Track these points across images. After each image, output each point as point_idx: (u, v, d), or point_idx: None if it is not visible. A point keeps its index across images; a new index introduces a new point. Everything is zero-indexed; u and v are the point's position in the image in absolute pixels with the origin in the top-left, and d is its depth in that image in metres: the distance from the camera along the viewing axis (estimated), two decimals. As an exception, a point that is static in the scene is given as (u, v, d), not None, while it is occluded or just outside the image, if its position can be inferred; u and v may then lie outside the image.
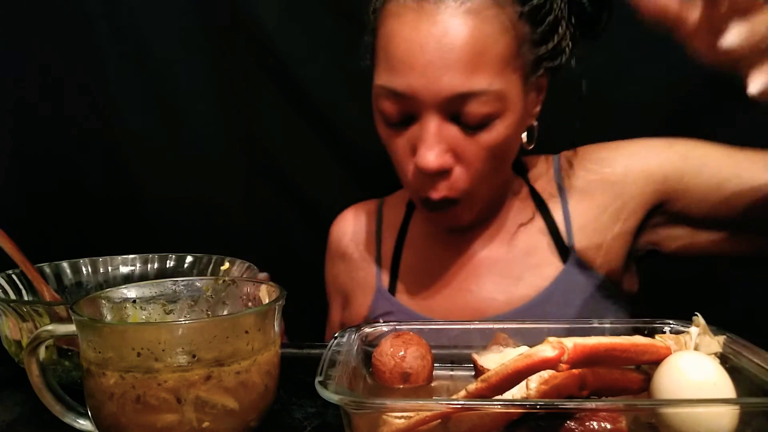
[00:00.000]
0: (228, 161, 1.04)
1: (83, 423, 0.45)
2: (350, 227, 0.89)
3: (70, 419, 0.45)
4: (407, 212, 0.87)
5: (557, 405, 0.40)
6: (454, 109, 0.65)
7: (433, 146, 0.66)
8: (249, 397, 0.42)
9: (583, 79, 0.72)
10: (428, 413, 0.40)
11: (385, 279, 0.84)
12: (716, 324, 0.49)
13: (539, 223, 0.79)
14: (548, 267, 0.76)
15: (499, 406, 0.39)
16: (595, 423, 0.39)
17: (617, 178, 0.76)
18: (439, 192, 0.68)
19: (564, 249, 0.76)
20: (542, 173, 0.81)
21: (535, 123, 0.74)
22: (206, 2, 0.98)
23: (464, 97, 0.64)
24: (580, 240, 0.76)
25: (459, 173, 0.68)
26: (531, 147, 0.74)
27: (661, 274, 0.93)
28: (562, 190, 0.79)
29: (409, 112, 0.67)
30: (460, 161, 0.67)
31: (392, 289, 0.83)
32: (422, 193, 0.70)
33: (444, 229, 0.80)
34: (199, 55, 1.00)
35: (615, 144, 0.79)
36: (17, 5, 0.98)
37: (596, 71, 0.92)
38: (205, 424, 0.41)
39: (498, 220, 0.81)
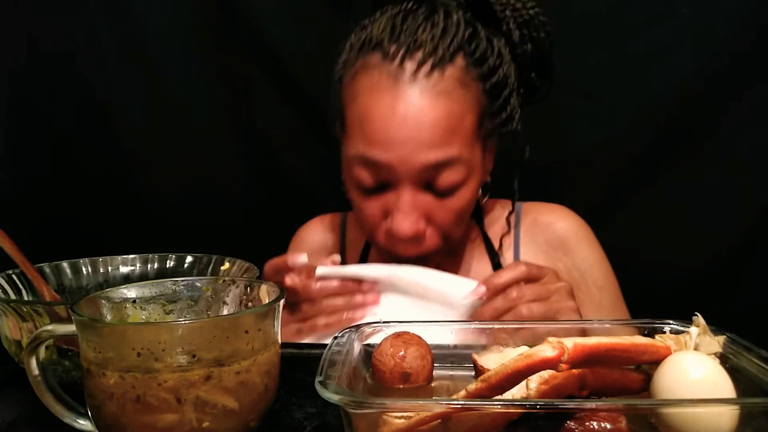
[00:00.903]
0: (228, 161, 1.04)
1: (83, 423, 0.45)
2: (317, 243, 0.90)
3: (70, 419, 0.45)
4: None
5: (557, 405, 0.40)
6: (427, 178, 0.70)
7: (408, 214, 0.70)
8: (249, 397, 0.42)
9: (527, 145, 0.79)
10: (428, 413, 0.39)
11: None
12: (716, 324, 0.49)
13: (488, 269, 0.82)
14: None
15: (499, 406, 0.39)
16: (595, 423, 0.39)
17: (563, 267, 0.81)
18: (409, 251, 0.72)
19: None
20: (498, 219, 0.85)
21: (488, 179, 0.79)
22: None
23: (438, 167, 0.69)
24: None
25: (430, 234, 0.72)
26: (485, 201, 0.80)
27: (661, 274, 0.93)
28: (518, 242, 0.83)
29: (382, 180, 0.71)
30: (431, 224, 0.72)
31: None
32: (392, 251, 0.73)
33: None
34: (199, 54, 1.00)
35: (582, 234, 0.83)
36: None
37: (596, 72, 0.92)
38: (205, 424, 0.41)
39: (448, 259, 0.82)
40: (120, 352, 0.40)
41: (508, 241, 0.83)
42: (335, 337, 0.51)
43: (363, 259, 0.87)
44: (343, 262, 0.86)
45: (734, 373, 0.43)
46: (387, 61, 0.70)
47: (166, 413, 0.40)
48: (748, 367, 0.45)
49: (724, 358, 0.46)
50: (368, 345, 0.54)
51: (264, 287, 0.50)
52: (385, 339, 0.53)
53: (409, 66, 0.69)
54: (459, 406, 0.39)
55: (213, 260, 0.69)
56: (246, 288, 0.52)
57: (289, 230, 1.05)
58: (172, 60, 1.00)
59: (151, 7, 0.99)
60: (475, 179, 0.73)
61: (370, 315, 0.70)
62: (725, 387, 0.41)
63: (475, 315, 0.67)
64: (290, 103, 1.01)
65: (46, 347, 0.45)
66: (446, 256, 0.82)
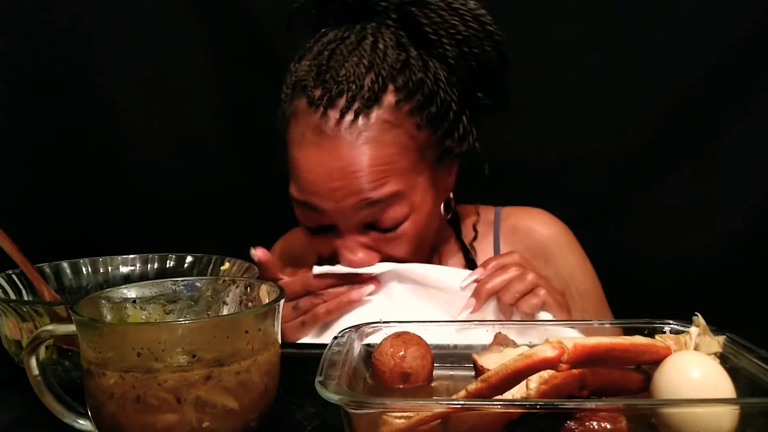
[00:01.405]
0: (228, 162, 1.04)
1: (83, 423, 0.45)
2: (296, 250, 0.90)
3: (70, 419, 0.45)
4: None
5: (557, 405, 0.40)
6: (368, 220, 0.69)
7: (355, 252, 0.70)
8: (249, 397, 0.42)
9: (485, 163, 0.75)
10: (428, 413, 0.40)
11: None
12: (716, 324, 0.49)
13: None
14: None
15: (499, 406, 0.39)
16: (595, 423, 0.39)
17: (544, 274, 0.78)
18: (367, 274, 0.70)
19: None
20: (477, 223, 0.83)
21: (451, 195, 0.78)
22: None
23: (375, 209, 0.68)
24: None
25: (385, 256, 0.71)
26: (449, 216, 0.79)
27: (661, 274, 0.93)
28: (497, 249, 0.82)
29: (325, 222, 0.71)
30: (385, 252, 0.71)
31: None
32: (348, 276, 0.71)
33: None
34: (200, 54, 1.00)
35: (563, 240, 0.82)
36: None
37: (596, 72, 0.92)
38: (205, 424, 0.41)
39: (425, 261, 0.82)
40: (120, 352, 0.40)
41: (487, 247, 0.82)
42: (335, 337, 0.51)
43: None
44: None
45: (734, 373, 0.43)
46: (312, 109, 0.68)
47: (166, 413, 0.40)
48: (748, 367, 0.45)
49: (724, 358, 0.46)
50: (368, 345, 0.54)
51: (264, 287, 0.50)
52: (385, 339, 0.53)
53: (333, 115, 0.67)
54: (459, 406, 0.39)
55: (213, 260, 0.69)
56: (246, 288, 0.52)
57: (289, 230, 1.05)
58: (173, 62, 1.00)
59: (151, 7, 0.99)
60: (425, 207, 0.72)
61: (369, 296, 0.69)
62: (725, 387, 0.41)
63: (472, 294, 0.66)
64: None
65: (46, 347, 0.45)
66: (425, 260, 0.81)
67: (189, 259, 0.71)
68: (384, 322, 0.56)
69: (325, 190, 0.68)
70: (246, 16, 0.98)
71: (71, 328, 0.43)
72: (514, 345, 0.53)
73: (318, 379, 0.42)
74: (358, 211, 0.68)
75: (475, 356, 0.52)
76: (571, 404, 0.40)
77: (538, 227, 0.82)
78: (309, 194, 0.70)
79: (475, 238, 0.82)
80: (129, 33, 1.00)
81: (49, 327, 0.44)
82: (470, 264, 0.81)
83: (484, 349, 0.53)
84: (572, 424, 0.39)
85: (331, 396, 0.40)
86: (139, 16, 0.99)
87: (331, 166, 0.67)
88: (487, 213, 0.85)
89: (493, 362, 0.49)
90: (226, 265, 0.67)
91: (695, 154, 0.92)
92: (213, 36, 1.00)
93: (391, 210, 0.69)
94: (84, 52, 1.00)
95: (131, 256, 0.71)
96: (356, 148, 0.67)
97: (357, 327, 0.54)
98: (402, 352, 0.51)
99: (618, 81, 0.91)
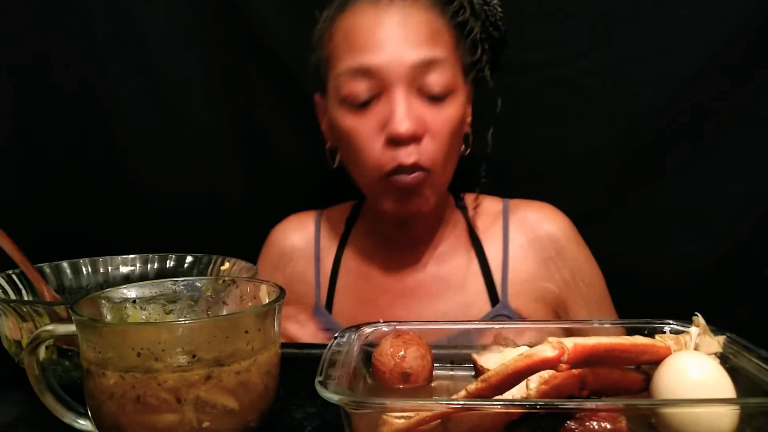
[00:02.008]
0: (228, 161, 1.04)
1: (83, 423, 0.45)
2: (290, 241, 0.90)
3: (70, 419, 0.45)
4: (345, 230, 0.89)
5: (557, 405, 0.40)
6: (418, 80, 0.72)
7: (405, 113, 0.71)
8: (249, 397, 0.42)
9: (498, 97, 0.81)
10: (428, 413, 0.40)
11: (323, 296, 0.86)
12: (716, 324, 0.49)
13: (473, 261, 0.82)
14: (476, 308, 0.80)
15: (499, 406, 0.39)
16: (595, 423, 0.39)
17: (554, 266, 0.81)
18: (411, 157, 0.71)
19: (494, 293, 0.80)
20: (486, 213, 0.85)
21: (469, 131, 0.80)
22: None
23: (427, 65, 0.71)
24: (512, 290, 0.80)
25: (428, 142, 0.72)
26: (467, 153, 0.80)
27: (661, 274, 0.93)
28: (506, 237, 0.83)
29: (376, 90, 0.72)
30: (428, 131, 0.72)
31: (329, 307, 0.85)
32: (393, 162, 0.72)
33: (403, 220, 0.80)
34: (200, 54, 1.00)
35: (571, 234, 0.83)
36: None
37: (596, 72, 0.92)
38: (205, 424, 0.41)
39: (432, 249, 0.83)
40: (120, 352, 0.40)
41: (496, 236, 0.83)
42: (335, 337, 0.51)
43: (339, 252, 0.87)
44: (318, 257, 0.88)
45: (734, 373, 0.43)
46: None
47: (166, 413, 0.40)
48: (748, 367, 0.45)
49: (724, 358, 0.46)
50: (368, 345, 0.54)
51: (264, 287, 0.50)
52: (385, 339, 0.53)
53: None
54: (459, 406, 0.39)
55: (213, 260, 0.69)
56: (246, 288, 0.52)
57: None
58: (173, 61, 1.00)
59: (151, 7, 0.99)
60: (462, 96, 0.75)
61: None
62: (725, 387, 0.41)
63: None
64: (291, 103, 1.01)
65: (46, 347, 0.45)
66: (431, 246, 0.83)
67: (189, 259, 0.71)
68: (384, 322, 0.56)
69: (382, 41, 0.72)
70: (246, 16, 0.98)
71: (71, 328, 0.43)
72: (515, 345, 0.53)
73: (318, 379, 0.42)
74: (411, 62, 0.71)
75: (475, 356, 0.52)
76: (571, 404, 0.40)
77: (549, 220, 0.83)
78: (365, 51, 0.72)
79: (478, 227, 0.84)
80: (129, 33, 1.00)
81: (49, 327, 0.44)
82: (478, 251, 0.82)
83: (484, 349, 0.53)
84: (572, 424, 0.39)
85: (331, 396, 0.40)
86: (139, 15, 0.99)
87: (389, 19, 0.72)
88: (495, 203, 0.86)
89: (493, 362, 0.49)
90: (226, 265, 0.67)
91: (695, 154, 0.92)
92: (213, 36, 1.00)
93: (439, 74, 0.72)
94: (84, 52, 1.00)
95: (131, 256, 0.71)
96: (410, 8, 0.73)
97: (357, 327, 0.54)
98: (402, 352, 0.51)
99: (618, 81, 0.91)
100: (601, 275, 0.84)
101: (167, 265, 0.71)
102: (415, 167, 0.72)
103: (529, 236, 0.82)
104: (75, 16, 0.98)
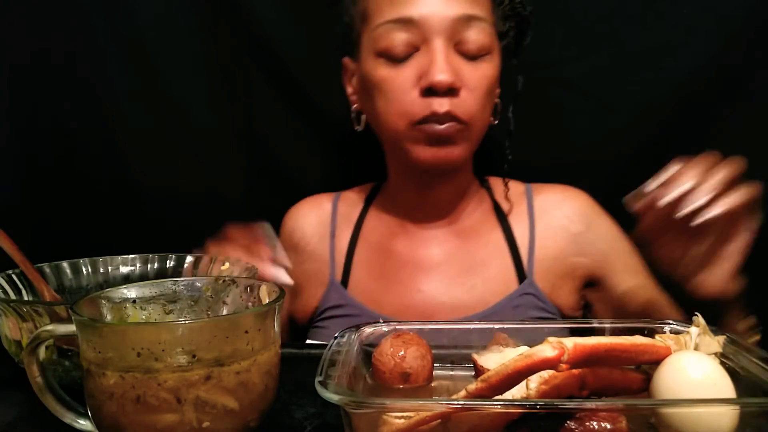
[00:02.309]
0: (228, 162, 1.04)
1: (83, 423, 0.45)
2: (304, 219, 0.90)
3: (70, 419, 0.45)
4: (364, 207, 0.88)
5: (557, 405, 0.40)
6: (458, 35, 0.72)
7: (444, 63, 0.71)
8: (249, 397, 0.42)
9: (519, 75, 0.82)
10: (428, 413, 0.40)
11: (339, 272, 0.84)
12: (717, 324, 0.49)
13: (500, 238, 0.82)
14: (502, 284, 0.79)
15: (499, 406, 0.39)
16: (595, 423, 0.39)
17: (584, 240, 0.81)
18: (444, 106, 0.72)
19: (521, 271, 0.79)
20: (512, 194, 0.84)
21: (498, 101, 0.80)
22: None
23: (467, 21, 0.72)
24: (539, 269, 0.80)
25: (465, 95, 0.73)
26: (496, 122, 0.80)
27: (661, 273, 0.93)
28: (532, 218, 0.82)
29: (415, 42, 0.73)
30: (465, 86, 0.73)
31: (344, 283, 0.83)
32: (426, 110, 0.72)
33: (428, 176, 0.80)
34: (200, 54, 1.00)
35: (597, 209, 0.84)
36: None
37: (596, 72, 0.92)
38: (205, 424, 0.41)
39: (457, 225, 0.83)
40: (120, 352, 0.40)
41: (521, 217, 0.83)
42: (335, 337, 0.51)
43: (357, 228, 0.87)
44: (333, 239, 0.87)
45: (734, 373, 0.43)
46: None
47: (166, 413, 0.40)
48: (748, 366, 0.45)
49: (724, 358, 0.46)
50: (368, 345, 0.54)
51: (264, 287, 0.50)
52: (385, 339, 0.53)
53: None
54: (459, 406, 0.39)
55: (213, 260, 0.69)
56: (246, 288, 0.52)
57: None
58: (173, 61, 1.00)
59: (151, 7, 0.99)
60: (497, 59, 0.76)
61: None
62: (725, 387, 0.41)
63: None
64: (291, 104, 1.01)
65: (46, 347, 0.45)
66: (457, 221, 0.83)
67: (189, 259, 0.71)
68: (384, 322, 0.56)
69: None
70: (246, 16, 0.98)
71: (71, 328, 0.43)
72: (515, 345, 0.53)
73: (318, 379, 0.42)
74: (453, 16, 0.71)
75: (475, 356, 0.52)
76: (571, 404, 0.40)
77: (573, 198, 0.83)
78: (408, 5, 0.72)
79: (509, 209, 0.84)
80: (129, 33, 1.00)
81: (49, 327, 0.44)
82: (505, 228, 0.82)
83: (484, 349, 0.53)
84: (572, 424, 0.39)
85: (331, 396, 0.40)
86: (139, 15, 0.99)
87: None
88: (518, 185, 0.86)
89: (493, 362, 0.49)
90: (226, 265, 0.67)
91: (695, 155, 0.92)
92: (213, 36, 1.00)
93: (479, 31, 0.72)
94: (84, 51, 1.00)
95: (131, 256, 0.71)
96: None
97: (357, 327, 0.54)
98: (402, 352, 0.51)
99: (618, 81, 0.91)
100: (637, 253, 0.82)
101: (167, 265, 0.71)
102: (448, 116, 0.72)
103: (556, 214, 0.82)
104: (75, 16, 0.98)
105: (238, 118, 1.02)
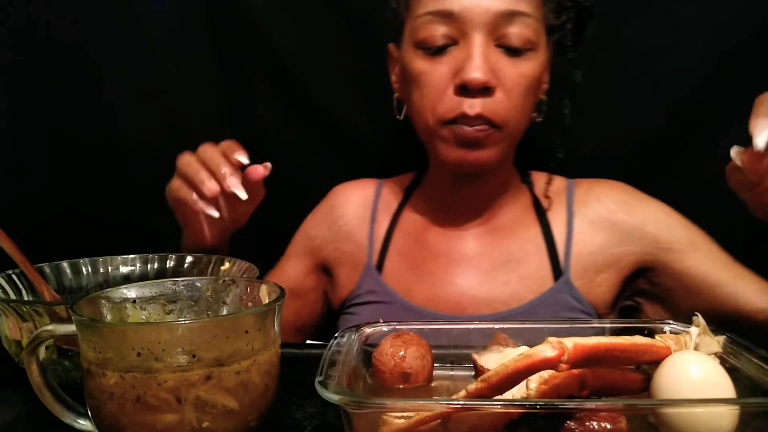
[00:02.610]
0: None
1: (83, 423, 0.45)
2: (348, 199, 0.90)
3: (70, 419, 0.45)
4: (404, 196, 0.88)
5: (557, 405, 0.40)
6: (499, 29, 0.70)
7: (480, 61, 0.69)
8: (249, 397, 0.42)
9: (576, 70, 0.79)
10: (428, 413, 0.40)
11: (375, 258, 0.84)
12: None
13: (538, 235, 0.80)
14: (538, 281, 0.77)
15: (499, 406, 0.39)
16: (595, 423, 0.39)
17: (627, 227, 0.78)
18: (475, 108, 0.70)
19: (557, 268, 0.77)
20: (553, 190, 0.83)
21: (544, 98, 0.78)
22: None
23: (510, 16, 0.70)
24: (576, 266, 0.78)
25: (499, 97, 0.71)
26: (539, 119, 0.78)
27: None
28: (570, 213, 0.81)
29: (453, 35, 0.71)
30: (501, 86, 0.71)
31: (379, 269, 0.83)
32: (457, 110, 0.71)
33: (461, 174, 0.79)
34: (200, 54, 1.00)
35: (638, 194, 0.82)
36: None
37: (597, 72, 0.92)
38: (205, 424, 0.41)
39: (494, 220, 0.82)
40: (120, 352, 0.40)
41: (560, 212, 0.81)
42: (335, 337, 0.51)
43: (396, 216, 0.86)
44: (372, 223, 0.86)
45: (734, 373, 0.43)
46: None
47: (166, 413, 0.40)
48: (748, 367, 0.45)
49: (724, 359, 0.46)
50: (368, 345, 0.54)
51: (264, 287, 0.50)
52: (385, 339, 0.53)
53: None
54: (459, 406, 0.39)
55: (213, 260, 0.69)
56: (246, 288, 0.52)
57: (289, 230, 1.05)
58: (173, 61, 1.00)
59: (151, 7, 0.99)
60: (541, 56, 0.73)
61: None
62: (725, 387, 0.41)
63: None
64: (291, 104, 1.01)
65: (46, 347, 0.45)
66: (494, 215, 0.82)
67: (189, 259, 0.71)
68: (384, 323, 0.56)
69: None
70: (246, 16, 0.98)
71: (71, 328, 0.43)
72: (515, 345, 0.53)
73: (318, 379, 0.42)
74: (496, 11, 0.69)
75: (475, 356, 0.52)
76: (571, 404, 0.40)
77: (611, 188, 0.82)
78: None
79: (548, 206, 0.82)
80: (129, 32, 1.00)
81: (49, 327, 0.44)
82: (544, 225, 0.81)
83: (484, 349, 0.53)
84: (572, 424, 0.39)
85: (331, 396, 0.40)
86: (139, 15, 0.99)
87: None
88: (560, 181, 0.85)
89: (493, 362, 0.49)
90: (226, 265, 0.67)
91: (695, 155, 0.92)
92: (213, 35, 1.00)
93: (522, 27, 0.70)
94: (84, 51, 1.00)
95: (131, 256, 0.71)
96: None
97: (357, 327, 0.54)
98: (402, 352, 0.51)
99: (618, 81, 0.91)
100: (696, 227, 0.80)
101: (167, 265, 0.71)
102: (479, 119, 0.70)
103: (594, 206, 0.80)
104: (75, 16, 0.98)
105: (238, 118, 1.03)
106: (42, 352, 0.45)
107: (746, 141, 0.86)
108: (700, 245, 0.77)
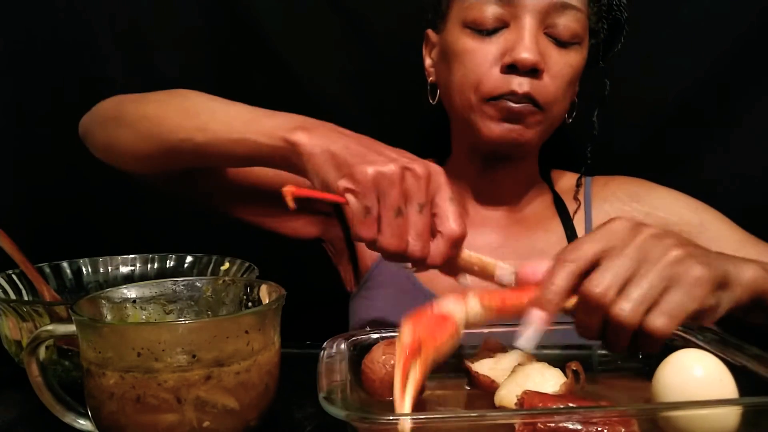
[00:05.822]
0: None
1: (83, 423, 0.45)
2: None
3: (70, 419, 0.45)
4: None
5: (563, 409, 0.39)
6: (550, 18, 0.72)
7: (531, 43, 0.70)
8: (249, 397, 0.42)
9: (606, 79, 0.81)
10: None
11: None
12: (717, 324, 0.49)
13: (559, 229, 0.81)
14: None
15: (514, 415, 0.39)
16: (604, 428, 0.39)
17: (640, 216, 0.79)
18: (523, 86, 0.70)
19: None
20: (572, 188, 0.84)
21: (575, 99, 0.78)
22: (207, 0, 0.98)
23: (562, 6, 0.71)
24: None
25: (546, 81, 0.71)
26: (569, 121, 0.79)
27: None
28: (589, 208, 0.82)
29: (505, 18, 0.72)
30: (548, 71, 0.72)
31: None
32: (505, 87, 0.71)
33: (494, 157, 0.79)
34: (200, 54, 1.00)
35: (650, 184, 0.83)
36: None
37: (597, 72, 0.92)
38: (205, 424, 0.41)
39: (516, 212, 0.82)
40: (120, 352, 0.40)
41: (579, 209, 0.82)
42: (323, 348, 0.49)
43: None
44: None
45: (734, 373, 0.43)
46: None
47: (166, 413, 0.40)
48: (746, 363, 0.45)
49: (723, 358, 0.46)
50: (358, 353, 0.51)
51: (264, 287, 0.50)
52: (377, 346, 0.50)
53: None
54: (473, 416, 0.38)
55: (213, 260, 0.69)
56: (246, 288, 0.52)
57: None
58: (173, 61, 1.00)
59: (151, 7, 0.99)
60: (583, 52, 0.75)
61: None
62: (728, 384, 0.41)
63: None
64: (292, 104, 1.01)
65: (46, 347, 0.45)
66: (516, 207, 0.82)
67: (189, 259, 0.71)
68: (373, 330, 0.53)
69: None
70: (246, 16, 0.98)
71: (71, 328, 0.43)
72: (503, 350, 0.52)
73: (321, 395, 0.40)
74: (549, 5, 0.71)
75: (468, 363, 0.51)
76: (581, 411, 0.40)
77: (624, 181, 0.83)
78: None
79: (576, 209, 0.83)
80: (129, 32, 1.00)
81: (49, 327, 0.44)
82: (565, 219, 0.81)
83: (475, 354, 0.52)
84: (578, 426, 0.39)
85: (338, 412, 0.38)
86: (139, 15, 0.99)
87: None
88: (577, 178, 0.85)
89: (487, 368, 0.49)
90: (226, 265, 0.67)
91: (696, 155, 0.92)
92: (213, 35, 1.00)
93: (573, 19, 0.72)
94: (84, 51, 1.00)
95: (131, 256, 0.71)
96: None
97: (346, 336, 0.52)
98: (393, 361, 0.46)
99: (619, 81, 0.91)
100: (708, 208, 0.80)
101: (167, 265, 0.71)
102: (525, 97, 0.71)
103: (611, 200, 0.82)
104: (75, 16, 0.98)
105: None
106: (42, 352, 0.45)
107: (747, 141, 0.86)
108: (710, 225, 0.78)
